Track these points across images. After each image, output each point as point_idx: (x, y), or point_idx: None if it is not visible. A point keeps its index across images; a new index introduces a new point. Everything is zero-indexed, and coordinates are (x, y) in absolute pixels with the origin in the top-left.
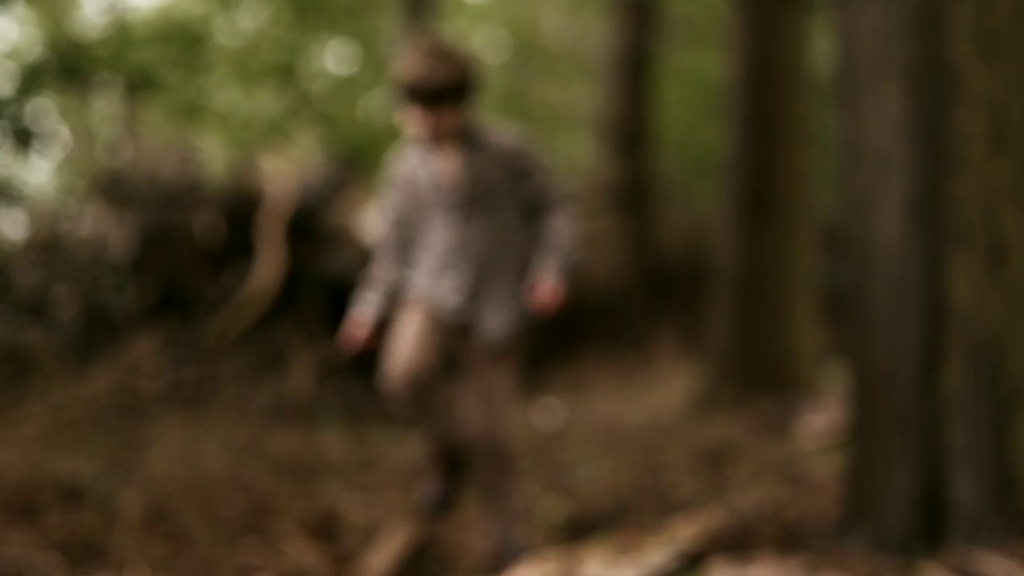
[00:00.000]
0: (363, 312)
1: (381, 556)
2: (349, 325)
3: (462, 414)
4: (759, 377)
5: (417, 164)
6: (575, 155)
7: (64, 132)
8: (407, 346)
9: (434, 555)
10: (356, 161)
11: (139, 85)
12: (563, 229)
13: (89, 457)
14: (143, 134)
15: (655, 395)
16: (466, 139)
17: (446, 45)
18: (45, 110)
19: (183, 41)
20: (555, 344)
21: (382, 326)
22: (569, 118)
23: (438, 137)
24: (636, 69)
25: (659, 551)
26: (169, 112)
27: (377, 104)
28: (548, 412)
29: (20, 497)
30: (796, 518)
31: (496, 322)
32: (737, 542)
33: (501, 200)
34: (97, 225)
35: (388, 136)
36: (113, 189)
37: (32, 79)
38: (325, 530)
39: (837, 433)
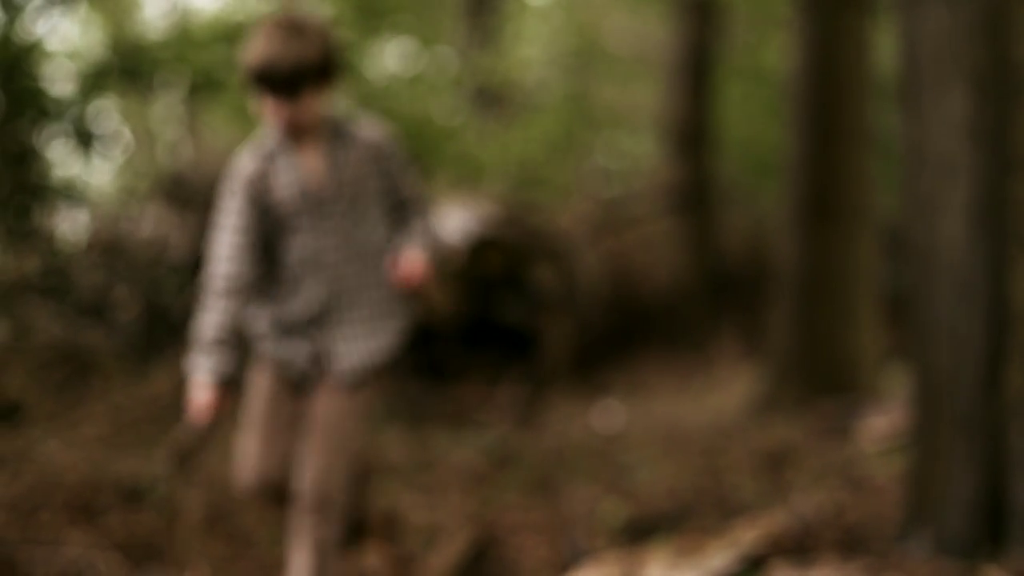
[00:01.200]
0: (204, 375)
1: (442, 557)
2: (192, 392)
3: (300, 456)
4: (820, 380)
5: (267, 166)
6: (637, 157)
7: (126, 133)
8: (255, 441)
9: (494, 557)
10: (419, 162)
11: (200, 86)
12: (427, 225)
13: (149, 458)
14: (204, 136)
15: (715, 397)
16: (329, 132)
17: (300, 20)
18: (107, 111)
19: (244, 42)
20: (615, 346)
21: (233, 382)
22: (631, 120)
23: (296, 131)
24: (698, 69)
25: (720, 554)
26: (230, 114)
27: (441, 105)
28: (608, 414)
29: (81, 497)
30: (857, 521)
31: (353, 350)
32: (798, 545)
33: (366, 203)
34: (158, 226)
35: (449, 136)
36: (174, 190)
37: (94, 80)
38: (386, 531)
39: (898, 436)
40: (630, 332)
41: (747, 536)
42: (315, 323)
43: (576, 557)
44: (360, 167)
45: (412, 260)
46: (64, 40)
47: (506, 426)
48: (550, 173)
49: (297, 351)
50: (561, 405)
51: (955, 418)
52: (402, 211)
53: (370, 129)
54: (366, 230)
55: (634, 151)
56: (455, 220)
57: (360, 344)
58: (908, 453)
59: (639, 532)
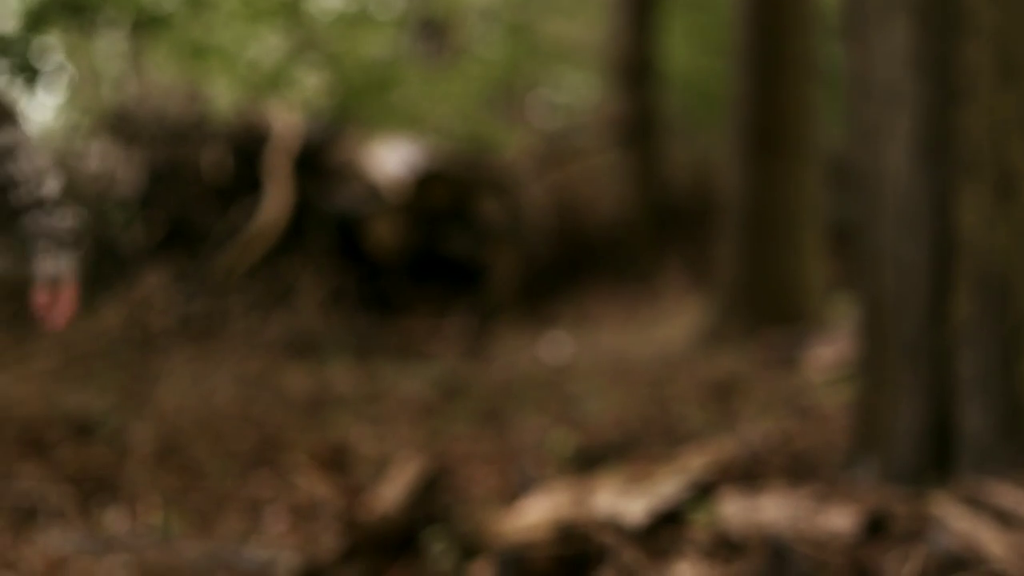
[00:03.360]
0: None
1: (392, 488)
2: None
3: None
4: (767, 310)
5: None
6: (582, 90)
7: (70, 70)
8: None
9: (445, 487)
10: (357, 102)
11: (144, 23)
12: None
13: (100, 392)
14: (149, 72)
15: (662, 329)
16: None
17: None
18: (51, 48)
19: None
20: (561, 278)
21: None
22: (576, 53)
23: None
24: (642, 2)
25: (669, 481)
26: (174, 51)
27: (385, 44)
28: (555, 346)
29: (31, 431)
30: (805, 449)
31: None
32: (747, 473)
33: None
34: (104, 162)
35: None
36: (120, 126)
37: (37, 17)
38: (336, 462)
39: (845, 365)
40: (576, 264)
41: (695, 463)
42: None
43: (525, 486)
44: None
45: (59, 297)
46: None
47: (454, 358)
48: (491, 128)
49: None
50: (508, 337)
51: (901, 347)
52: None
53: None
54: None
55: (579, 84)
56: (400, 153)
57: None
58: (855, 382)
59: (588, 461)
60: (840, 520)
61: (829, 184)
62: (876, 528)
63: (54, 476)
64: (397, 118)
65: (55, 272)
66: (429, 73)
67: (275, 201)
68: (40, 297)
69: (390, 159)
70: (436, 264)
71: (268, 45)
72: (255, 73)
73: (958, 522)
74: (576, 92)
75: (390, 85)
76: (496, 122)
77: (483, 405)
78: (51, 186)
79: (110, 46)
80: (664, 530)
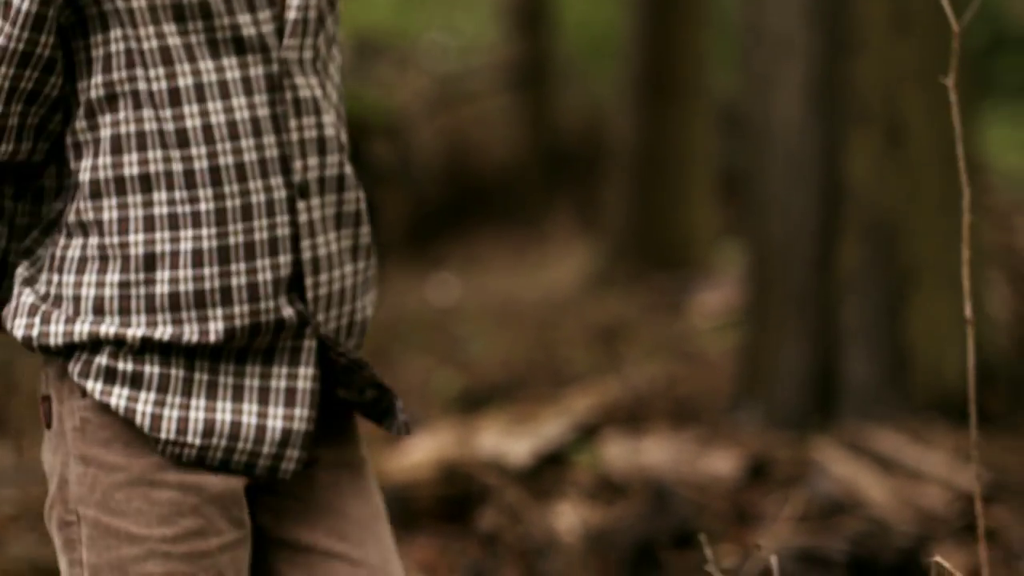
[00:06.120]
0: None
1: None
2: None
3: None
4: (654, 256)
5: None
6: (475, 33)
7: None
8: None
9: None
10: None
11: None
12: None
13: None
14: None
15: (550, 273)
16: None
17: None
18: None
19: None
20: (450, 220)
21: None
22: None
23: None
24: None
25: (554, 422)
26: None
27: None
28: (443, 287)
29: None
30: (689, 394)
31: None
32: (631, 416)
33: None
34: None
35: None
36: None
37: None
38: None
39: (731, 312)
40: (466, 207)
41: (580, 405)
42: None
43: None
44: None
45: None
46: None
47: None
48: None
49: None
50: (396, 278)
51: (787, 294)
52: None
53: None
54: None
55: (473, 28)
56: None
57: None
58: (740, 328)
59: (473, 402)
60: (722, 464)
61: (720, 131)
62: (758, 472)
63: None
64: None
65: None
66: None
67: None
68: None
69: None
70: None
71: None
72: None
73: (839, 467)
74: (470, 36)
75: None
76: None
77: (369, 345)
78: None
79: None
80: (548, 471)
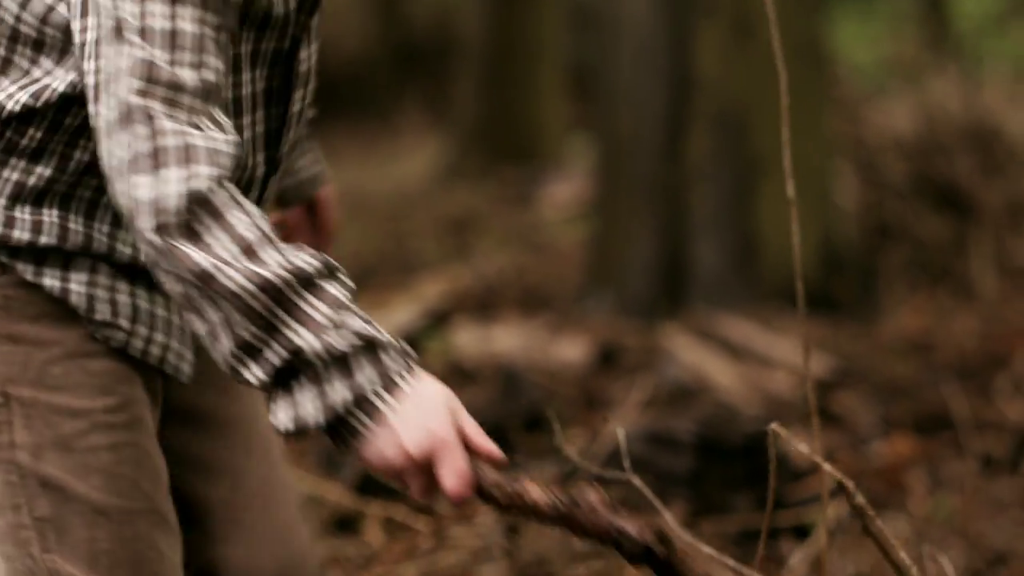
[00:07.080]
0: None
1: None
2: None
3: None
4: (504, 148)
5: None
6: None
7: None
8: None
9: None
10: None
11: None
12: None
13: None
14: None
15: (400, 165)
16: None
17: None
18: None
19: None
20: None
21: None
22: None
23: None
24: None
25: (404, 309)
26: None
27: None
28: None
29: None
30: (539, 283)
31: None
32: (481, 304)
33: None
34: None
35: None
36: None
37: None
38: None
39: (581, 204)
40: (316, 100)
41: (430, 292)
42: None
43: None
44: None
45: None
46: None
47: None
48: None
49: None
50: None
51: (636, 184)
52: None
53: None
54: None
55: None
56: None
57: None
58: (590, 219)
59: None
60: (572, 350)
61: (570, 25)
62: (607, 359)
63: None
64: None
65: None
66: None
67: None
68: None
69: None
70: None
71: None
72: None
73: (688, 353)
74: None
75: None
76: None
77: None
78: None
79: None
80: None
